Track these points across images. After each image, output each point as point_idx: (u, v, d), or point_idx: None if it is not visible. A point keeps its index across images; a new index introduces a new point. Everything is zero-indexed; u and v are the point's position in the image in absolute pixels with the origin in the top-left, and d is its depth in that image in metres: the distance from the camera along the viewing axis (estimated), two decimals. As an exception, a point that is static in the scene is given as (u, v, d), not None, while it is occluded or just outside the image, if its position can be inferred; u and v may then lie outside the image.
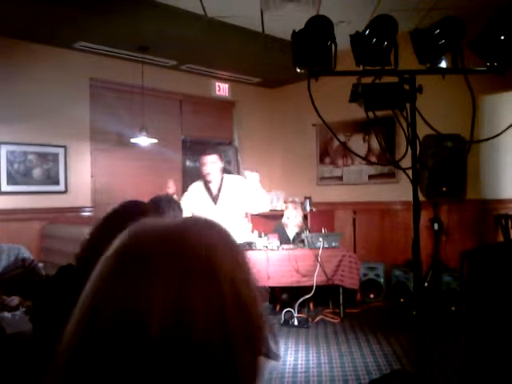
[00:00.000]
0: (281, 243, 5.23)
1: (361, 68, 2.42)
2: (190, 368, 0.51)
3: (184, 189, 6.70)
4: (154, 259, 0.54)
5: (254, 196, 4.36)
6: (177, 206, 3.07)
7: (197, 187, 4.37)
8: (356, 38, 2.38)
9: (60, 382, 0.53)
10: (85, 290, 0.56)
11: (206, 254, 0.56)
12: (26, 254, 3.36)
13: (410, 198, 2.55)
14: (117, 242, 0.58)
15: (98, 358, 0.51)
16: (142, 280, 0.53)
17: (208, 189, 4.29)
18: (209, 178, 4.24)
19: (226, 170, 5.90)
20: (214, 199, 4.25)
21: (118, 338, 0.51)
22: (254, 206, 4.43)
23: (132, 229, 0.59)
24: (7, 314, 2.75)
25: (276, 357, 0.64)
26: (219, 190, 4.28)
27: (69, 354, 0.53)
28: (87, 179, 5.68)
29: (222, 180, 4.30)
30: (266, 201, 4.53)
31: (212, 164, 4.21)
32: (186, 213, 4.10)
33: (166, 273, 0.53)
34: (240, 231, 4.31)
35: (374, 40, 2.31)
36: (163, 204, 2.84)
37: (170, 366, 0.51)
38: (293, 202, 5.65)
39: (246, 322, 0.57)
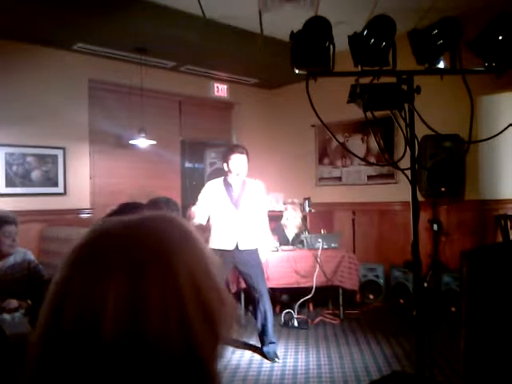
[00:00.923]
0: (280, 244, 5.23)
1: (359, 68, 2.41)
2: (144, 364, 0.50)
3: (183, 190, 6.72)
4: (107, 255, 0.54)
5: (263, 204, 4.25)
6: (175, 208, 3.07)
7: (216, 185, 4.14)
8: (354, 39, 2.37)
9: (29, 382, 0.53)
10: (49, 287, 0.56)
11: (161, 249, 0.56)
12: (32, 257, 3.38)
13: (409, 198, 2.55)
14: (77, 239, 0.58)
15: (60, 354, 0.51)
16: (94, 276, 0.53)
17: (228, 188, 4.09)
18: (234, 176, 4.04)
19: (224, 172, 5.91)
20: (235, 199, 4.06)
21: (78, 338, 0.51)
22: (261, 215, 4.24)
23: (93, 226, 0.59)
24: (6, 316, 2.75)
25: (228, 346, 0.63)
26: (241, 190, 4.09)
27: (34, 353, 0.53)
28: (86, 181, 5.67)
29: (244, 181, 4.12)
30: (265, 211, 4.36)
31: (242, 163, 4.03)
32: (203, 210, 4.01)
33: (117, 268, 0.53)
34: (258, 234, 4.15)
35: (372, 40, 2.31)
36: (161, 205, 2.84)
37: (123, 363, 0.50)
38: (292, 203, 5.64)
39: (208, 317, 0.56)
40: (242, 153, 4.03)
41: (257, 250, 4.16)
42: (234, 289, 4.72)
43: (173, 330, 0.52)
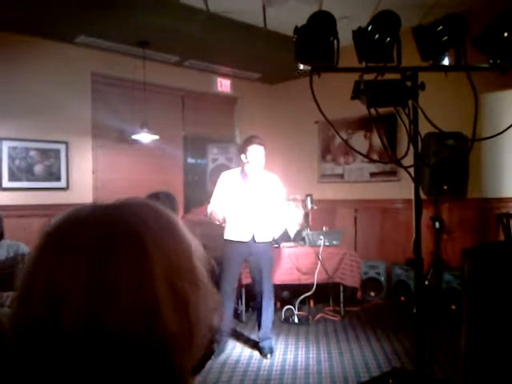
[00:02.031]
0: (281, 241, 5.23)
1: (363, 65, 2.40)
2: (105, 351, 0.49)
3: (185, 185, 6.72)
4: (72, 238, 0.53)
5: (280, 196, 4.21)
6: (175, 202, 3.07)
7: (233, 176, 4.09)
8: (358, 34, 2.36)
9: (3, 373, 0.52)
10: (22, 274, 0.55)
11: (132, 233, 0.53)
12: (25, 250, 3.36)
13: (412, 196, 2.54)
14: (49, 225, 0.56)
15: (28, 340, 0.50)
16: (59, 260, 0.51)
17: (245, 179, 4.04)
18: (252, 167, 3.99)
19: (227, 167, 5.90)
20: (252, 190, 4.01)
21: (41, 321, 0.50)
22: (278, 208, 4.20)
23: (64, 213, 0.57)
24: (7, 310, 2.75)
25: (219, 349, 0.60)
26: (258, 182, 4.05)
27: (10, 339, 0.52)
28: (88, 175, 5.68)
29: (261, 173, 4.07)
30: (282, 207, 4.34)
31: (260, 154, 3.98)
32: (220, 201, 4.01)
33: (83, 251, 0.51)
34: (272, 226, 4.11)
35: (377, 36, 2.29)
36: (161, 200, 2.83)
37: (84, 348, 0.48)
38: (294, 199, 5.64)
39: (183, 307, 0.54)
40: (260, 144, 3.99)
41: (270, 243, 4.14)
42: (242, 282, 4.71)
43: (137, 318, 0.50)
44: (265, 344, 4.08)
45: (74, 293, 0.49)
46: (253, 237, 3.99)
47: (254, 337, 4.43)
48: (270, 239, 4.12)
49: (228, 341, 4.28)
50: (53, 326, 0.49)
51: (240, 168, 4.13)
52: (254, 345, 4.25)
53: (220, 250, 4.14)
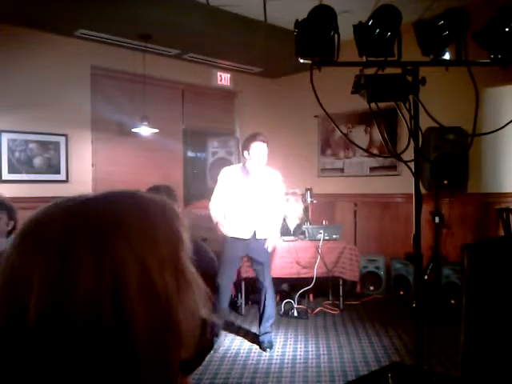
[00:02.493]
0: (281, 235, 5.23)
1: (364, 59, 2.39)
2: (72, 347, 0.48)
3: (184, 179, 6.71)
4: (38, 232, 0.52)
5: (280, 194, 4.23)
6: (175, 196, 3.07)
7: (234, 172, 4.11)
8: (359, 29, 2.35)
9: None
10: None
11: (101, 225, 0.52)
12: None
13: (411, 190, 2.54)
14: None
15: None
16: (27, 251, 0.51)
17: (247, 176, 4.05)
18: (254, 164, 4.00)
19: (227, 161, 5.89)
20: (253, 187, 4.03)
21: (5, 315, 0.49)
22: (278, 205, 4.23)
23: (43, 206, 0.57)
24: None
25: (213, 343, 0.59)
26: (260, 179, 4.06)
27: None
28: (88, 168, 5.67)
29: (263, 170, 4.08)
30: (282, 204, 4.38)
31: (263, 151, 4.00)
32: (222, 194, 4.04)
33: (49, 242, 0.51)
34: (270, 223, 4.12)
35: (378, 30, 2.28)
36: (162, 193, 2.83)
37: (47, 351, 0.48)
38: (293, 193, 5.63)
39: (156, 305, 0.52)
40: (263, 141, 3.99)
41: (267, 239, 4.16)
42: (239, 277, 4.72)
43: (103, 309, 0.49)
44: (264, 338, 4.10)
45: (34, 284, 0.49)
46: (254, 234, 4.02)
47: (253, 330, 4.45)
48: (268, 236, 4.12)
49: (224, 334, 4.29)
50: (18, 316, 0.49)
51: (241, 164, 4.14)
52: (253, 338, 4.27)
53: (220, 244, 4.17)
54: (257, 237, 4.02)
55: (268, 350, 4.01)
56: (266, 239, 4.06)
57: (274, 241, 4.18)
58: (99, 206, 0.55)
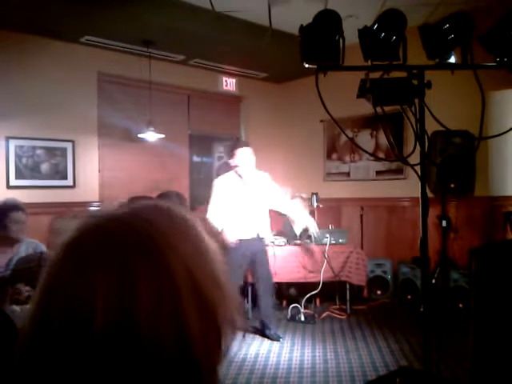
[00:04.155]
0: (288, 239, 5.23)
1: (369, 63, 2.40)
2: (137, 364, 0.49)
3: (191, 184, 6.73)
4: (92, 249, 0.53)
5: (280, 193, 4.43)
6: (185, 202, 3.08)
7: (230, 179, 4.31)
8: (364, 33, 2.35)
9: (18, 376, 0.52)
10: (39, 282, 0.55)
11: (150, 240, 0.54)
12: (44, 248, 3.40)
13: (418, 194, 2.54)
14: (66, 234, 0.56)
15: (49, 352, 0.50)
16: (80, 273, 0.51)
17: (242, 181, 4.27)
18: (246, 169, 4.22)
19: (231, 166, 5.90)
20: (251, 190, 4.25)
21: (66, 334, 0.50)
22: (281, 203, 4.45)
23: (81, 220, 0.57)
24: (16, 308, 2.77)
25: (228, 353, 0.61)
26: (254, 181, 4.29)
27: (24, 347, 0.52)
28: (95, 174, 5.70)
29: (253, 173, 4.31)
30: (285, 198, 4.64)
31: (249, 155, 4.23)
32: (220, 203, 4.22)
33: (104, 263, 0.51)
34: (267, 225, 4.41)
35: (383, 35, 2.28)
36: (172, 199, 2.85)
37: (115, 363, 0.49)
38: (300, 197, 5.63)
39: (207, 311, 0.54)
40: (246, 145, 4.27)
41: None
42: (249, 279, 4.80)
43: (165, 325, 0.51)
44: (271, 332, 4.34)
45: (99, 303, 0.49)
46: (257, 234, 4.25)
47: (259, 335, 4.44)
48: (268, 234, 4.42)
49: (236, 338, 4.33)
50: (79, 335, 0.49)
51: (233, 171, 4.31)
52: (261, 343, 4.26)
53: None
54: (260, 236, 4.29)
55: (280, 339, 4.28)
56: (265, 238, 4.37)
57: (311, 221, 4.55)
58: (142, 222, 0.56)
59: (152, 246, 0.54)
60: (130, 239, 0.54)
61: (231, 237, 4.14)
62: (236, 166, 4.24)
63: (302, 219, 4.47)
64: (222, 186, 4.28)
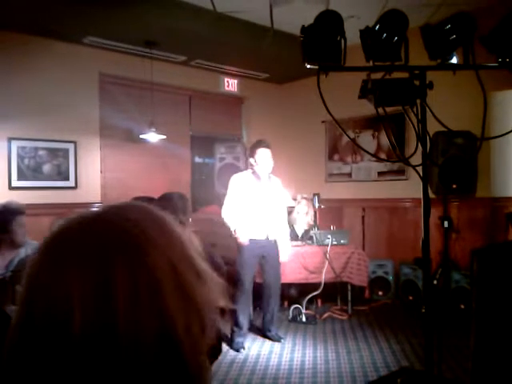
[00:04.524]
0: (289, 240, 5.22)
1: (371, 63, 2.39)
2: (118, 362, 0.49)
3: (192, 185, 6.73)
4: (72, 248, 0.53)
5: (284, 198, 4.48)
6: (188, 204, 3.08)
7: (245, 178, 4.30)
8: (366, 33, 2.35)
9: (3, 376, 0.52)
10: (22, 281, 0.55)
11: (130, 237, 0.54)
12: None
13: (420, 195, 2.53)
14: (49, 232, 0.57)
15: (33, 350, 0.51)
16: (59, 272, 0.52)
17: (258, 180, 4.26)
18: (263, 170, 4.22)
19: (234, 167, 5.91)
20: (264, 191, 4.25)
21: (48, 333, 0.50)
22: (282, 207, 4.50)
23: (63, 219, 0.58)
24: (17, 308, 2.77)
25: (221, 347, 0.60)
26: (268, 183, 4.29)
27: (11, 345, 0.53)
28: (97, 175, 5.70)
29: (269, 175, 4.32)
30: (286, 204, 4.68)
31: (268, 157, 4.22)
32: (235, 200, 4.21)
33: (82, 262, 0.52)
34: (278, 226, 4.40)
35: (384, 35, 2.28)
36: (175, 200, 2.85)
37: (95, 361, 0.49)
38: (305, 198, 5.63)
39: (189, 305, 0.55)
40: (267, 147, 4.23)
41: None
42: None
43: (145, 320, 0.51)
44: (273, 333, 4.36)
45: (76, 300, 0.50)
46: (267, 235, 4.24)
47: (260, 336, 4.44)
48: (278, 237, 4.37)
49: (246, 336, 4.39)
50: (60, 332, 0.50)
51: (250, 170, 4.32)
52: (262, 343, 4.26)
53: (230, 249, 4.25)
54: (269, 238, 4.26)
55: (282, 340, 4.32)
56: (276, 240, 4.33)
57: (288, 249, 4.49)
58: (119, 219, 0.57)
59: (131, 242, 0.54)
60: (109, 236, 0.54)
61: (243, 237, 4.13)
62: (254, 166, 4.22)
63: (284, 245, 4.43)
64: (237, 183, 4.26)
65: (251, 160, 4.24)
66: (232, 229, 4.18)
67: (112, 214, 0.58)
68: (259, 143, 4.25)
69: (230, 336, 4.22)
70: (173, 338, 0.52)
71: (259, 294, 4.42)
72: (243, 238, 4.13)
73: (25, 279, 0.55)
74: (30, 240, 3.37)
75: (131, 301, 0.51)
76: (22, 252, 3.25)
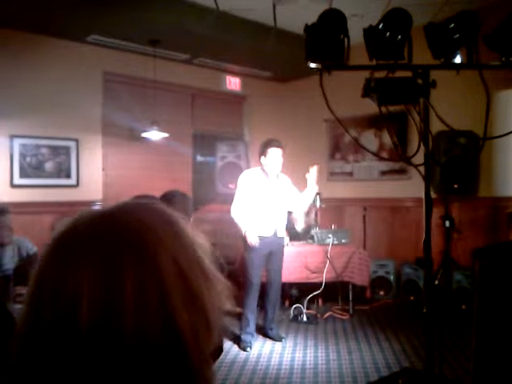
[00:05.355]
0: (290, 239, 5.22)
1: (374, 62, 2.39)
2: (124, 361, 0.50)
3: (194, 183, 6.73)
4: (79, 246, 0.53)
5: (296, 196, 4.43)
6: (190, 202, 3.07)
7: (255, 175, 4.32)
8: (369, 32, 2.35)
9: (12, 374, 0.52)
10: (30, 277, 0.55)
11: (137, 238, 0.55)
12: (29, 245, 3.36)
13: (422, 194, 2.53)
14: (55, 231, 0.57)
15: (40, 347, 0.51)
16: (66, 269, 0.52)
17: (267, 178, 4.29)
18: (273, 169, 4.24)
19: (236, 166, 5.90)
20: (274, 189, 4.28)
21: (55, 329, 0.50)
22: (297, 205, 4.47)
23: (71, 218, 0.58)
24: (18, 306, 2.78)
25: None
26: (277, 181, 4.32)
27: (18, 342, 0.53)
28: (98, 173, 5.70)
29: (278, 174, 4.35)
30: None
31: (279, 156, 4.24)
32: (244, 197, 4.23)
33: (90, 259, 0.52)
34: (284, 226, 4.42)
35: (388, 34, 2.28)
36: (178, 199, 2.84)
37: (101, 358, 0.49)
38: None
39: (194, 305, 0.55)
40: (278, 146, 4.25)
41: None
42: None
43: (152, 318, 0.51)
44: (271, 333, 4.36)
45: (84, 299, 0.50)
46: (275, 232, 4.26)
47: (261, 336, 4.43)
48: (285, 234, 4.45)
49: (255, 335, 4.38)
50: (67, 330, 0.50)
51: (260, 168, 4.35)
52: (263, 343, 4.26)
53: (230, 248, 4.25)
54: (277, 235, 4.29)
55: (283, 339, 4.33)
56: (283, 238, 4.39)
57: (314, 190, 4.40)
58: (130, 219, 0.57)
59: (139, 241, 0.54)
60: (118, 235, 0.55)
61: (253, 237, 4.13)
62: (264, 164, 4.25)
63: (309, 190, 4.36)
64: (246, 180, 4.29)
65: (262, 158, 4.26)
66: (243, 230, 4.19)
67: (124, 214, 0.58)
68: (271, 142, 4.26)
69: (238, 334, 4.24)
70: (179, 338, 0.53)
71: (261, 293, 4.42)
72: (253, 239, 4.14)
73: (33, 277, 0.55)
74: (17, 237, 3.32)
75: (139, 301, 0.51)
76: (9, 249, 3.19)
